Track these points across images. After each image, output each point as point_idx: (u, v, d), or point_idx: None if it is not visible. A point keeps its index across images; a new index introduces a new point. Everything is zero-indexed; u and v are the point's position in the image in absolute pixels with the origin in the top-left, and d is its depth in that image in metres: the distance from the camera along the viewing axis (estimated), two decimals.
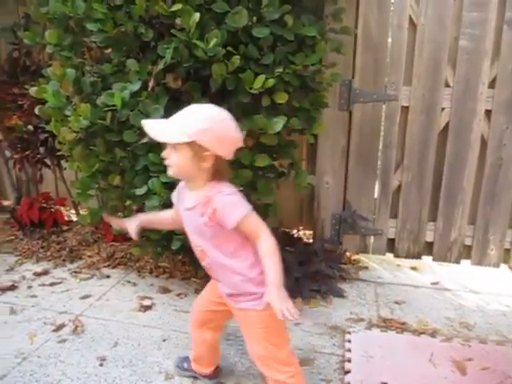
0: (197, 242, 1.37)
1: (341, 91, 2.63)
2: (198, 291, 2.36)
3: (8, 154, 3.19)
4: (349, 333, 2.06)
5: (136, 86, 1.80)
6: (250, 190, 2.07)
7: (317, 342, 1.99)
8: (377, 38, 2.56)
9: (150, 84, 1.82)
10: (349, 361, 1.86)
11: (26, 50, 2.77)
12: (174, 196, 1.43)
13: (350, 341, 2.00)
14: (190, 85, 1.86)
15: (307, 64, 1.94)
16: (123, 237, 2.77)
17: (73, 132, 1.91)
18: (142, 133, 1.81)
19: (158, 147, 1.83)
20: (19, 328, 2.07)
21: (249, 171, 1.95)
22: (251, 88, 1.81)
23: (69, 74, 1.92)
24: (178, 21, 1.73)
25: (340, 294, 2.41)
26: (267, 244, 1.25)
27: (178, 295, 2.36)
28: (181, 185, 1.40)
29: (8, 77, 2.75)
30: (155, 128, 1.26)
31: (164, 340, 1.97)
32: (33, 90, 2.05)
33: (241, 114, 1.87)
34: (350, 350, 1.93)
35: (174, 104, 1.87)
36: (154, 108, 1.78)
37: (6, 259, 2.81)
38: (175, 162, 1.25)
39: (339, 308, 2.29)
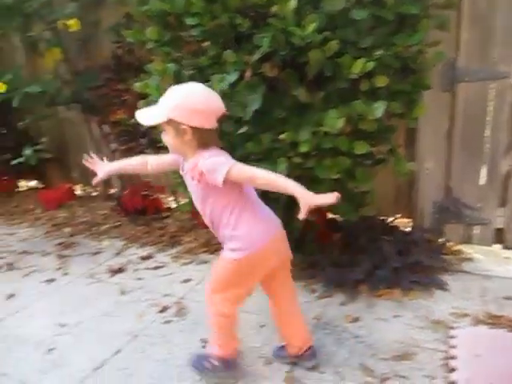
0: (196, 204, 1.56)
1: (443, 70, 2.46)
2: (292, 278, 2.38)
3: (113, 146, 3.43)
4: (453, 328, 1.94)
5: (233, 77, 1.82)
6: (347, 178, 2.02)
7: (418, 337, 1.90)
8: (485, 9, 2.35)
9: (247, 74, 1.83)
10: (454, 358, 1.75)
11: (128, 48, 2.94)
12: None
13: (454, 337, 1.88)
14: (287, 73, 1.85)
15: (409, 44, 1.83)
16: None
17: None
18: (239, 123, 1.85)
19: (256, 136, 1.86)
20: (128, 308, 2.23)
21: (347, 158, 1.90)
22: (349, 73, 1.76)
23: (169, 69, 2.00)
24: (274, 8, 1.72)
25: (442, 287, 2.28)
26: (266, 176, 1.37)
27: None
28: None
29: (113, 74, 2.95)
30: (143, 115, 1.45)
31: (262, 326, 2.01)
32: (136, 86, 2.16)
33: (338, 100, 1.83)
34: (454, 347, 1.82)
35: (271, 93, 1.88)
36: (252, 98, 1.79)
37: (114, 244, 3.04)
38: (166, 142, 1.47)
39: (441, 301, 2.17)
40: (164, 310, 2.18)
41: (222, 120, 1.92)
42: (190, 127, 1.40)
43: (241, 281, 1.56)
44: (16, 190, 4.25)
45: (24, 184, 4.35)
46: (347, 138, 1.87)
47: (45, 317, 2.20)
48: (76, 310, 2.25)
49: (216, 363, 1.66)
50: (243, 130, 1.82)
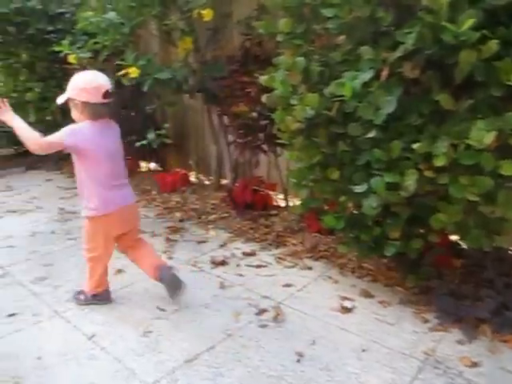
0: None
1: None
2: (402, 302, 2.16)
3: (231, 138, 3.44)
4: None
5: (368, 75, 1.66)
6: (485, 201, 1.75)
7: None
8: None
9: (384, 73, 1.66)
10: None
11: (257, 40, 2.90)
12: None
13: None
14: (430, 74, 1.63)
15: None
16: (329, 230, 2.72)
17: (297, 121, 1.89)
18: (368, 126, 1.68)
19: (385, 143, 1.67)
20: (226, 304, 2.19)
21: (489, 179, 1.63)
22: (507, 79, 1.49)
23: (298, 63, 1.90)
24: (424, 1, 1.52)
25: None
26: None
27: (381, 303, 2.18)
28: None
29: (239, 66, 2.93)
30: (59, 98, 1.99)
31: (363, 350, 1.83)
32: (262, 79, 2.10)
33: (489, 110, 1.57)
34: None
35: (408, 96, 1.68)
36: (386, 100, 1.61)
37: (220, 235, 3.04)
38: (73, 116, 2.01)
39: None
40: (261, 312, 2.10)
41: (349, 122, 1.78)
42: (81, 102, 1.93)
43: (95, 238, 2.07)
44: (137, 170, 4.50)
45: (145, 165, 4.59)
46: (493, 155, 1.61)
47: (147, 298, 2.25)
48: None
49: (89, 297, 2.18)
50: (372, 134, 1.65)
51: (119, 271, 2.52)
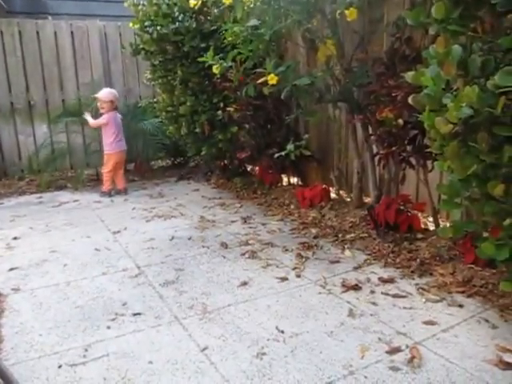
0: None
1: None
2: None
3: (375, 149, 3.13)
4: None
5: None
6: None
7: None
8: None
9: None
10: None
11: (406, 37, 2.57)
12: None
13: None
14: None
15: None
16: (487, 261, 2.23)
17: (449, 123, 1.55)
18: None
19: None
20: (353, 334, 1.90)
21: None
22: None
23: (454, 52, 1.56)
24: None
25: None
26: None
27: None
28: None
29: (385, 68, 2.63)
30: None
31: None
32: (409, 75, 1.80)
33: None
34: None
35: None
36: None
37: (356, 256, 2.74)
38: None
39: None
40: (394, 351, 1.76)
41: None
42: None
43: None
44: (278, 183, 4.44)
45: (286, 179, 4.51)
46: None
47: (267, 315, 2.08)
48: (298, 318, 2.05)
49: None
50: None
51: (244, 283, 2.41)
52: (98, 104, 4.50)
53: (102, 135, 4.59)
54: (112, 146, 4.51)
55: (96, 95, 4.52)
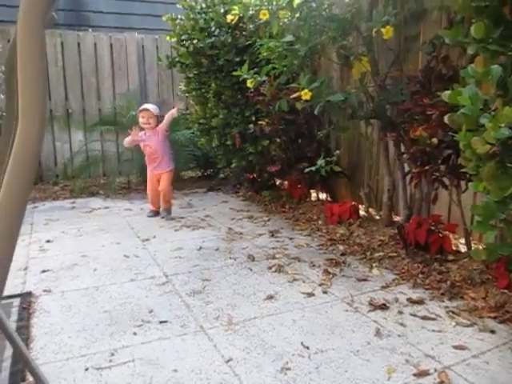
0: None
1: None
2: None
3: (407, 168, 3.09)
4: None
5: None
6: None
7: None
8: None
9: None
10: None
11: (443, 55, 2.55)
12: None
13: None
14: None
15: None
16: None
17: (487, 144, 1.52)
18: None
19: None
20: (380, 355, 1.86)
21: None
22: None
23: (494, 72, 1.55)
24: None
25: None
26: None
27: None
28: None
29: (421, 86, 2.61)
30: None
31: None
32: (445, 94, 1.78)
33: None
34: None
35: None
36: None
37: (384, 275, 2.70)
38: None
39: None
40: (421, 374, 1.72)
41: None
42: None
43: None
44: (307, 198, 4.42)
45: (314, 194, 4.50)
46: None
47: (292, 330, 2.07)
48: (324, 334, 2.03)
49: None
50: None
51: (270, 297, 2.40)
52: (142, 118, 3.94)
53: (159, 150, 4.00)
54: (172, 161, 4.14)
55: (144, 107, 3.98)
